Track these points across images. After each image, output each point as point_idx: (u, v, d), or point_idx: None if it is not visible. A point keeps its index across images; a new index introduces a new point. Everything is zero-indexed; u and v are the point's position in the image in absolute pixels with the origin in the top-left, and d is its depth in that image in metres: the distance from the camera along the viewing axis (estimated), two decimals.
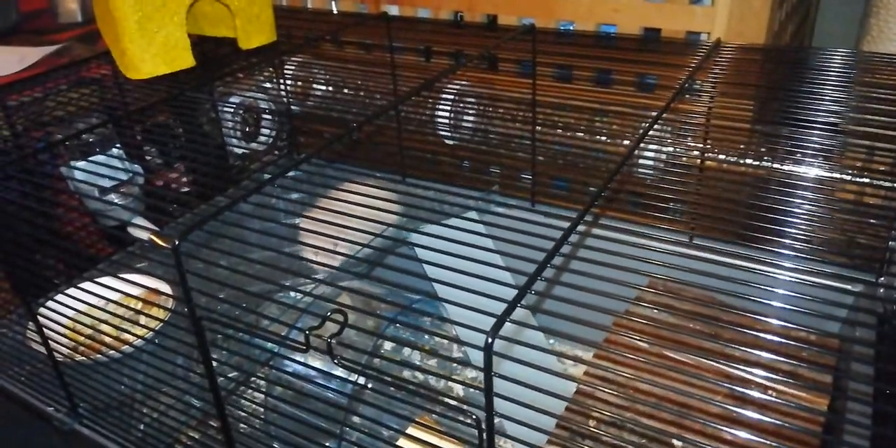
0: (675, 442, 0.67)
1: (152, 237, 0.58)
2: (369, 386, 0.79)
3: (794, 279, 0.73)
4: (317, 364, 0.67)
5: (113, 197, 0.94)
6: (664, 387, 0.45)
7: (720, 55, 0.96)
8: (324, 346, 0.53)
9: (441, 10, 1.31)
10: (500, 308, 0.47)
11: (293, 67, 1.23)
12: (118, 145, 0.96)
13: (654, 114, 0.75)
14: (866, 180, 0.85)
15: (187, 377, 0.72)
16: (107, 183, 0.91)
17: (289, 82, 1.21)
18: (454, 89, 1.13)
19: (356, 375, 0.76)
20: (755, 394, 0.42)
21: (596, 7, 1.17)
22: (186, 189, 1.19)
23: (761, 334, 0.46)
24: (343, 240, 0.58)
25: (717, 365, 0.72)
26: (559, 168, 1.07)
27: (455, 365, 1.01)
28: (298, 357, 0.68)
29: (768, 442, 0.41)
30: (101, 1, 0.94)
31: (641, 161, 0.98)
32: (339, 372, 0.73)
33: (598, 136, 1.03)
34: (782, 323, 0.47)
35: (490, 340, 0.45)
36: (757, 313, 0.49)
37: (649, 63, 1.01)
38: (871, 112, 0.82)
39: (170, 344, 0.71)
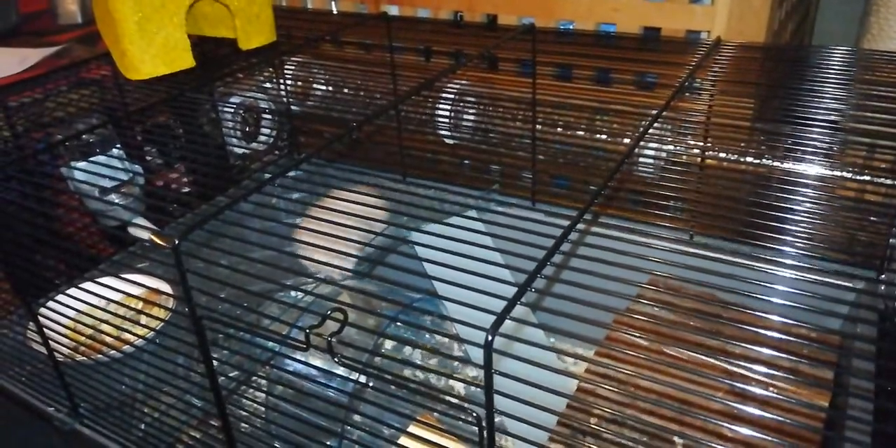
0: (676, 439, 0.67)
1: (152, 237, 0.58)
2: (370, 385, 0.79)
3: (794, 276, 0.73)
4: (317, 363, 0.67)
5: (113, 197, 0.94)
6: (665, 384, 0.45)
7: (720, 53, 0.96)
8: (324, 345, 0.53)
9: (441, 9, 1.31)
10: (500, 306, 0.47)
11: (293, 67, 1.24)
12: (118, 146, 0.96)
13: (654, 112, 0.75)
14: (867, 178, 0.85)
15: (188, 377, 0.72)
16: (107, 183, 0.91)
17: (289, 82, 1.21)
18: (454, 89, 1.13)
19: (357, 374, 0.76)
20: (756, 390, 0.42)
21: (595, 6, 1.17)
22: (187, 189, 1.19)
23: (762, 331, 0.46)
24: (344, 238, 0.58)
25: (718, 362, 0.72)
26: (559, 167, 1.07)
27: (456, 364, 1.01)
28: (299, 356, 0.68)
29: (770, 438, 0.41)
30: (100, 2, 0.94)
31: (642, 159, 0.98)
32: (340, 371, 0.73)
33: (598, 135, 1.03)
34: (783, 320, 0.47)
35: (490, 338, 0.45)
36: (758, 311, 0.49)
37: (649, 62, 1.01)
38: (872, 109, 0.82)
39: (170, 344, 0.71)
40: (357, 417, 0.79)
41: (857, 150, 0.86)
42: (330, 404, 0.66)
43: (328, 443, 0.72)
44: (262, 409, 0.81)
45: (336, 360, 0.54)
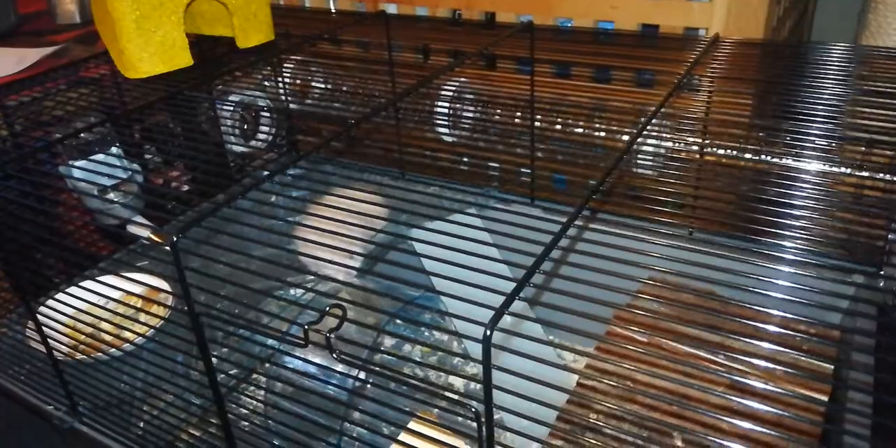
0: (674, 434, 0.67)
1: (151, 235, 0.58)
2: (370, 381, 0.79)
3: (793, 272, 0.73)
4: (317, 360, 0.67)
5: (112, 196, 0.94)
6: (665, 378, 0.45)
7: (718, 50, 0.96)
8: (323, 341, 0.53)
9: (439, 7, 1.31)
10: (498, 302, 0.47)
11: (291, 66, 1.23)
12: (117, 144, 0.96)
13: (652, 109, 0.75)
14: (865, 174, 0.85)
15: (187, 375, 0.72)
16: (106, 182, 0.91)
17: (287, 81, 1.21)
18: (452, 87, 1.13)
19: (356, 371, 0.76)
20: (756, 384, 0.42)
21: (594, 4, 1.17)
22: (186, 187, 1.19)
23: (762, 325, 0.46)
24: (343, 235, 0.58)
25: (718, 358, 0.72)
26: (558, 164, 1.07)
27: (456, 361, 1.01)
28: (298, 352, 0.68)
29: (769, 431, 0.41)
30: (99, 1, 0.94)
31: (640, 156, 0.98)
32: (340, 367, 0.73)
33: (596, 132, 1.03)
34: (783, 314, 0.47)
35: (489, 332, 0.45)
36: (757, 306, 0.49)
37: (648, 59, 1.01)
38: (870, 105, 0.82)
39: (169, 342, 0.71)
40: (356, 414, 0.79)
41: (856, 146, 0.86)
42: (329, 401, 0.66)
43: (327, 440, 0.72)
44: (262, 406, 0.81)
45: (335, 355, 0.53)
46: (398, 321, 0.98)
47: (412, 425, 0.63)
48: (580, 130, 1.04)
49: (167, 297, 0.92)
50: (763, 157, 0.90)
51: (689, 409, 0.45)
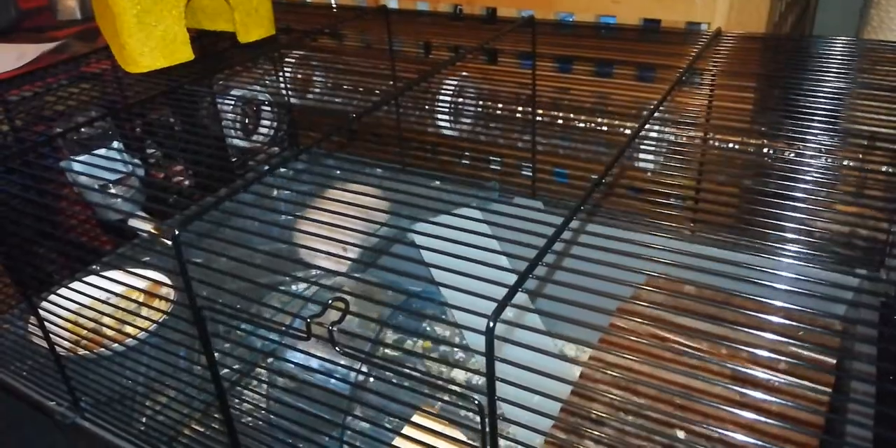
0: (677, 432, 0.67)
1: (150, 230, 0.58)
2: (373, 374, 0.79)
3: (796, 264, 0.73)
4: (319, 354, 0.66)
5: (113, 191, 0.94)
6: (668, 369, 0.45)
7: (720, 44, 0.96)
8: (326, 335, 0.53)
9: (440, 3, 1.31)
10: (501, 296, 0.47)
11: (293, 61, 1.23)
12: (118, 139, 0.96)
13: (654, 104, 0.75)
14: (868, 168, 0.84)
15: (189, 369, 0.72)
16: (107, 177, 0.91)
17: (288, 76, 1.21)
18: (454, 82, 1.13)
19: (359, 364, 0.76)
20: (760, 374, 0.42)
21: None
22: (187, 182, 1.19)
23: (764, 316, 0.46)
24: (346, 228, 0.58)
25: (721, 351, 0.72)
26: (559, 158, 1.07)
27: (459, 356, 1.01)
28: (301, 346, 0.68)
29: (773, 422, 0.41)
30: None
31: (642, 153, 0.98)
32: (342, 361, 0.73)
33: (598, 127, 1.03)
34: (785, 304, 0.46)
35: (491, 324, 0.45)
36: (760, 306, 0.48)
37: (650, 53, 1.01)
38: (873, 99, 0.82)
39: (171, 336, 0.71)
40: (359, 408, 0.79)
41: (859, 141, 0.85)
42: (332, 394, 0.66)
43: (330, 434, 0.72)
44: (264, 400, 0.81)
45: (337, 349, 0.53)
46: (400, 317, 0.98)
47: (415, 418, 0.63)
48: (582, 125, 1.04)
49: (169, 292, 0.92)
50: (765, 150, 0.90)
51: (693, 400, 0.45)
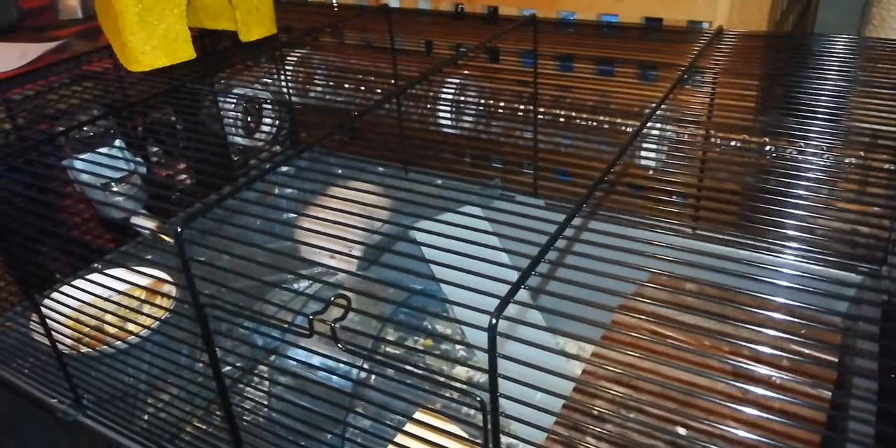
0: (678, 429, 0.67)
1: (153, 228, 0.58)
2: (374, 371, 0.79)
3: (798, 262, 0.73)
4: (321, 351, 0.67)
5: (115, 189, 0.94)
6: (671, 366, 0.45)
7: (722, 42, 0.96)
8: (328, 332, 0.53)
9: (441, 1, 1.31)
10: (503, 294, 0.47)
11: (294, 60, 1.23)
12: (119, 138, 0.96)
13: (655, 103, 0.75)
14: (870, 165, 0.84)
15: (191, 366, 0.72)
16: (109, 175, 0.91)
17: (289, 75, 1.21)
18: (455, 81, 1.13)
19: (361, 361, 0.76)
20: (762, 370, 0.42)
21: None
22: (189, 181, 1.19)
23: (767, 312, 0.46)
24: (348, 225, 0.58)
25: (723, 347, 0.72)
26: (561, 157, 1.07)
27: (461, 354, 1.01)
28: (303, 343, 0.68)
29: (775, 418, 0.41)
30: None
31: (644, 152, 0.98)
32: (345, 358, 0.73)
33: (600, 126, 1.03)
34: (787, 301, 0.46)
35: (494, 321, 0.45)
36: (761, 303, 0.48)
37: (651, 51, 1.01)
38: (875, 97, 0.82)
39: (173, 334, 0.71)
40: (361, 405, 0.79)
41: (860, 139, 0.85)
42: (334, 391, 0.66)
43: (332, 431, 0.72)
44: (266, 398, 0.81)
45: (340, 346, 0.53)
46: (401, 315, 0.98)
47: (418, 415, 0.63)
48: (584, 123, 1.04)
49: (171, 290, 0.92)
50: (767, 148, 0.90)
51: (695, 396, 0.45)
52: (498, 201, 1.03)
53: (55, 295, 0.78)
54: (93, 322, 0.76)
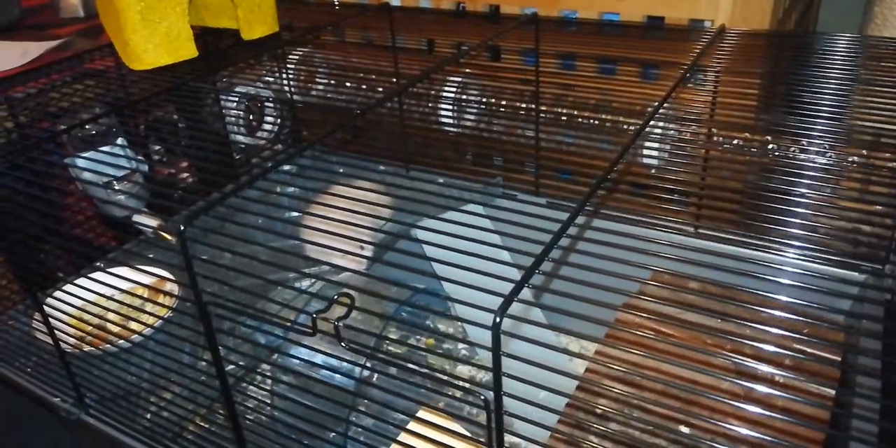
0: (681, 427, 0.67)
1: (156, 226, 0.58)
2: (377, 369, 0.79)
3: (800, 261, 0.73)
4: (324, 350, 0.67)
5: (117, 187, 0.94)
6: (675, 364, 0.45)
7: (724, 41, 0.95)
8: (331, 331, 0.53)
9: (443, 0, 1.31)
10: (506, 293, 0.47)
11: (296, 58, 1.23)
12: (122, 136, 0.96)
13: (657, 102, 0.75)
14: (872, 165, 0.84)
15: (194, 365, 0.72)
16: (111, 174, 0.91)
17: (291, 74, 1.21)
18: (457, 79, 1.13)
19: (364, 359, 0.76)
20: (765, 368, 0.42)
21: None
22: (191, 179, 1.19)
23: (770, 310, 0.46)
24: (351, 223, 0.58)
25: (726, 345, 0.72)
26: (563, 155, 1.07)
27: (463, 353, 1.01)
28: (306, 341, 0.68)
29: (778, 416, 0.41)
30: None
31: (646, 151, 0.98)
32: (348, 356, 0.73)
33: (602, 124, 1.03)
34: (790, 299, 0.46)
35: (498, 319, 0.45)
36: (764, 301, 0.48)
37: (654, 50, 1.01)
38: (878, 96, 0.81)
39: (176, 333, 0.71)
40: (364, 403, 0.79)
41: (863, 138, 0.85)
42: (337, 389, 0.66)
43: (335, 429, 0.72)
44: (269, 396, 0.81)
45: (343, 344, 0.53)
46: (404, 314, 0.98)
47: (421, 414, 0.63)
48: (586, 122, 1.04)
49: (174, 288, 0.92)
50: (770, 147, 0.90)
51: (697, 394, 0.45)
52: (500, 200, 1.03)
53: (58, 293, 0.78)
54: (95, 320, 0.76)
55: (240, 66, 1.14)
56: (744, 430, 0.43)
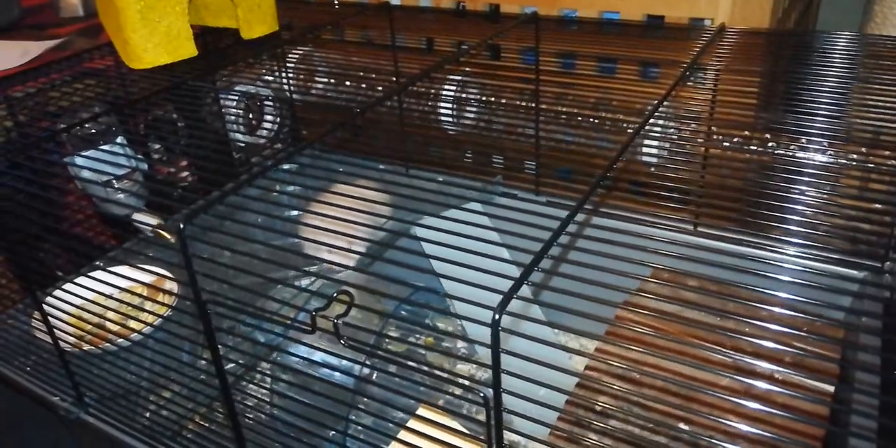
0: (680, 424, 0.67)
1: (155, 225, 0.58)
2: (377, 367, 0.79)
3: (800, 257, 0.73)
4: (324, 348, 0.67)
5: (117, 186, 0.94)
6: (675, 360, 0.45)
7: (724, 39, 0.96)
8: (331, 329, 0.53)
9: None
10: (505, 290, 0.47)
11: (296, 57, 1.23)
12: (121, 135, 0.96)
13: (657, 100, 0.75)
14: (871, 166, 0.84)
15: (194, 364, 0.72)
16: (111, 173, 0.91)
17: (291, 73, 1.21)
18: (457, 78, 1.13)
19: (364, 357, 0.76)
20: (765, 364, 0.42)
21: None
22: (190, 178, 1.19)
23: (769, 307, 0.46)
24: (350, 221, 0.58)
25: (727, 345, 0.72)
26: (563, 155, 1.07)
27: (462, 352, 1.01)
28: (306, 339, 0.68)
29: (777, 412, 0.41)
30: None
31: (646, 149, 0.98)
32: (347, 354, 0.73)
33: (602, 123, 1.03)
34: (789, 295, 0.46)
35: (497, 316, 0.45)
36: (764, 298, 0.48)
37: (654, 48, 1.01)
38: (877, 94, 0.81)
39: (176, 331, 0.71)
40: (364, 402, 0.79)
41: (862, 137, 0.85)
42: (336, 387, 0.65)
43: (336, 427, 0.72)
44: (269, 394, 0.81)
45: (343, 342, 0.53)
46: (404, 312, 0.98)
47: (420, 412, 0.63)
48: (585, 121, 1.04)
49: (173, 287, 0.92)
50: (770, 144, 0.90)
51: (696, 390, 0.45)
52: (499, 198, 1.03)
53: (57, 292, 0.78)
54: (95, 319, 0.76)
55: (239, 65, 1.14)
56: (743, 427, 0.43)
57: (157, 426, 0.74)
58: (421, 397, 0.62)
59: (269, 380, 0.83)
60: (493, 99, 1.12)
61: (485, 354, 0.83)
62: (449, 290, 0.91)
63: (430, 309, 1.00)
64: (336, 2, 1.32)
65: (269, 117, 1.21)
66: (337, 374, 0.76)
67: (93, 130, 0.93)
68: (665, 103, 0.74)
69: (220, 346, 0.59)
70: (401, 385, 0.62)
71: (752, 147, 0.92)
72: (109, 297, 0.72)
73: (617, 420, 0.67)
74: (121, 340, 0.79)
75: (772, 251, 0.83)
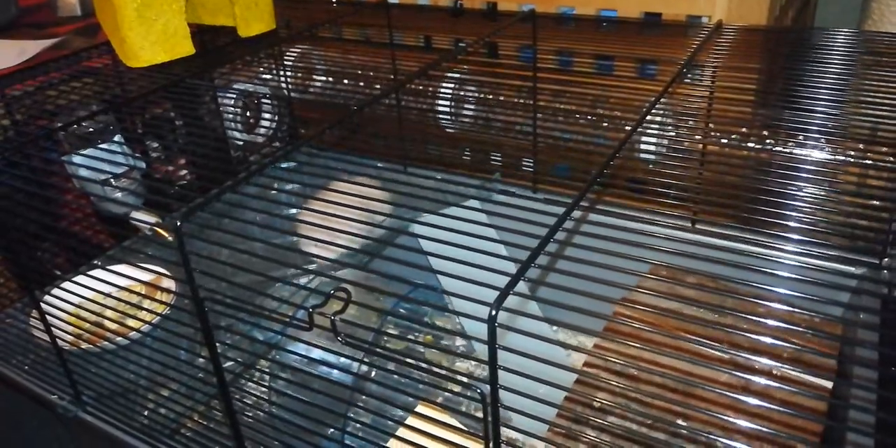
0: (678, 420, 0.67)
1: (153, 223, 0.58)
2: (375, 365, 0.79)
3: (797, 253, 0.73)
4: (321, 345, 0.67)
5: (115, 185, 0.94)
6: (673, 356, 0.45)
7: (722, 37, 0.96)
8: (328, 326, 0.53)
9: None
10: (502, 287, 0.47)
11: (293, 55, 1.23)
12: (119, 134, 0.96)
13: (654, 97, 0.75)
14: (869, 162, 0.84)
15: (192, 362, 0.72)
16: (108, 171, 0.91)
17: (288, 72, 1.21)
18: (455, 76, 1.13)
19: (362, 354, 0.76)
20: (763, 360, 0.42)
21: None
22: (188, 177, 1.19)
23: (766, 302, 0.46)
24: (348, 218, 0.58)
25: (721, 351, 0.72)
26: (561, 153, 1.07)
27: (461, 350, 1.01)
28: (303, 337, 0.68)
29: (775, 407, 0.41)
30: None
31: (643, 146, 0.98)
32: (346, 352, 0.73)
33: (599, 120, 1.03)
34: (787, 291, 0.46)
35: (494, 312, 0.45)
36: (762, 294, 0.48)
37: (651, 46, 1.01)
38: (875, 91, 0.82)
39: (174, 329, 0.71)
40: (361, 399, 0.79)
41: (860, 134, 0.85)
42: (334, 385, 0.66)
43: (334, 425, 0.72)
44: (267, 392, 0.81)
45: (340, 339, 0.53)
46: (402, 310, 0.98)
47: (419, 409, 0.63)
48: (583, 118, 1.04)
49: (171, 285, 0.92)
50: (767, 141, 0.90)
51: (697, 387, 0.45)
52: (497, 196, 1.03)
53: (55, 291, 0.78)
54: (93, 318, 0.76)
55: (237, 63, 1.14)
56: (742, 423, 0.43)
57: (155, 424, 0.74)
58: (420, 394, 0.62)
59: (267, 378, 0.83)
60: (490, 97, 1.11)
61: (483, 351, 0.83)
62: (447, 287, 0.91)
63: (429, 306, 1.00)
64: (334, 0, 1.32)
65: (266, 115, 1.21)
66: (335, 371, 0.76)
67: (90, 129, 0.92)
68: (662, 100, 0.74)
69: (218, 344, 0.59)
70: (399, 382, 0.62)
71: (750, 144, 0.92)
72: (108, 295, 0.72)
73: (615, 416, 0.67)
74: (119, 339, 0.79)
75: (770, 248, 0.83)
